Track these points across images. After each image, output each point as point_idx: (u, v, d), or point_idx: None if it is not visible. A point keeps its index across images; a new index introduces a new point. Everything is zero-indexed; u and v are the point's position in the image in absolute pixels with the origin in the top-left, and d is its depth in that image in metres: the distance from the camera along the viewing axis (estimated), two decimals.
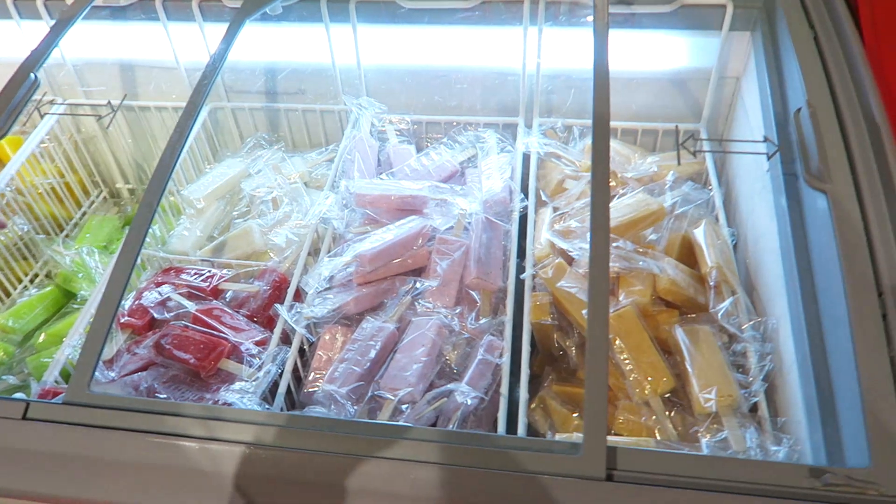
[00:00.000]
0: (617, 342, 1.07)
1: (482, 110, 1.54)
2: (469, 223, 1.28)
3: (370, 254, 1.20)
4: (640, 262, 1.13)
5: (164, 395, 1.12)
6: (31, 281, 1.57)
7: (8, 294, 1.52)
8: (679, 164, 1.08)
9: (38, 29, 1.52)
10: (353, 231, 1.30)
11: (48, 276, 1.58)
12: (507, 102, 1.52)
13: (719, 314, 1.08)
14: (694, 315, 1.14)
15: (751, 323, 1.09)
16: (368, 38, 1.46)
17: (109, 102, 1.32)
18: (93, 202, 1.78)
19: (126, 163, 1.79)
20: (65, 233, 1.67)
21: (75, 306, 1.45)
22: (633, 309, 1.09)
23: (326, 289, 1.22)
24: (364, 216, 1.33)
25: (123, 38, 1.55)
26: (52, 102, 1.57)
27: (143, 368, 1.19)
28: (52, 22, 1.48)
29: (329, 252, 1.28)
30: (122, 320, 1.26)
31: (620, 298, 1.13)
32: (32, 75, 1.19)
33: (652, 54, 1.43)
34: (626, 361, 1.06)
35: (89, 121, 1.70)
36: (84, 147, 1.73)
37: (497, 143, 1.45)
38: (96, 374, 1.15)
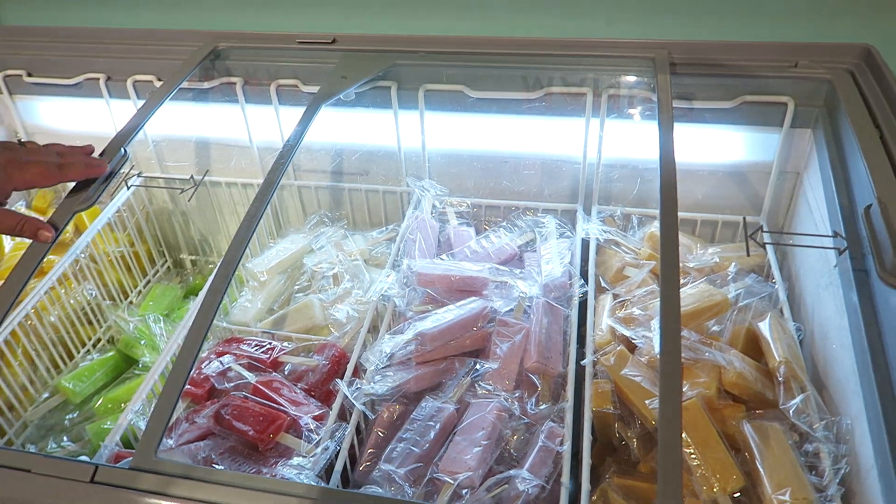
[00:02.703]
0: (682, 436, 1.04)
1: (542, 196, 1.57)
2: (529, 306, 1.28)
3: (431, 333, 1.21)
4: (707, 354, 1.11)
5: (222, 467, 1.12)
6: (94, 345, 1.61)
7: (71, 357, 1.56)
8: (748, 255, 1.07)
9: (125, 107, 1.62)
10: (414, 309, 1.31)
11: (110, 341, 1.62)
12: (566, 189, 1.55)
13: (790, 411, 1.04)
14: (761, 411, 1.11)
15: (823, 422, 1.05)
16: (434, 123, 1.52)
17: (192, 177, 1.39)
18: (157, 271, 1.84)
19: (191, 235, 1.85)
20: (129, 300, 1.72)
21: (137, 372, 1.48)
22: (698, 401, 1.07)
23: (386, 366, 1.23)
24: (424, 295, 1.35)
25: (201, 117, 1.64)
26: (139, 175, 1.65)
27: (202, 438, 1.20)
28: (139, 102, 1.59)
29: (389, 329, 1.29)
30: (184, 388, 1.27)
31: (685, 390, 1.11)
32: (122, 149, 1.26)
33: (711, 147, 1.46)
34: (693, 456, 1.03)
35: (161, 193, 1.79)
36: (154, 218, 1.81)
37: (556, 228, 1.47)
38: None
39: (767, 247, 1.40)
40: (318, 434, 1.12)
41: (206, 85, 1.54)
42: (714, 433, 1.04)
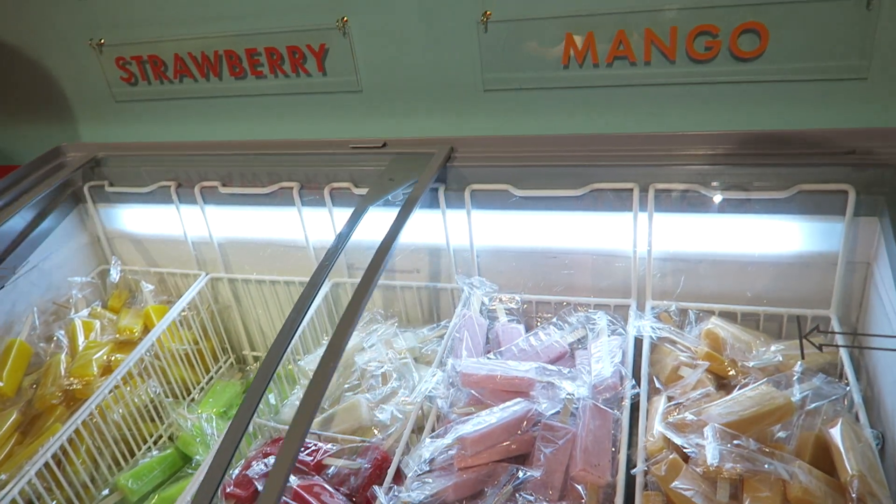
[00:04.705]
0: None
1: (593, 292, 1.53)
2: (576, 408, 1.23)
3: (472, 437, 1.17)
4: (766, 465, 1.02)
5: None
6: (155, 442, 1.65)
7: (132, 454, 1.60)
8: (802, 357, 1.00)
9: (192, 212, 1.72)
10: (457, 412, 1.28)
11: (171, 438, 1.66)
12: (618, 284, 1.51)
13: None
14: None
15: None
16: (482, 221, 1.53)
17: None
18: (220, 368, 1.89)
19: (254, 331, 1.91)
20: (191, 397, 1.77)
21: (189, 471, 1.50)
22: None
23: (427, 472, 1.19)
24: (469, 396, 1.32)
25: (261, 219, 1.72)
26: (206, 274, 1.74)
27: None
28: (206, 206, 1.69)
29: (432, 432, 1.26)
30: (227, 490, 1.28)
31: None
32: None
33: (772, 238, 1.39)
34: None
35: (225, 291, 1.86)
36: (218, 316, 1.88)
37: (608, 325, 1.43)
38: None
39: (874, 340, 1.30)
40: None
41: (263, 190, 1.62)
42: None
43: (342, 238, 1.31)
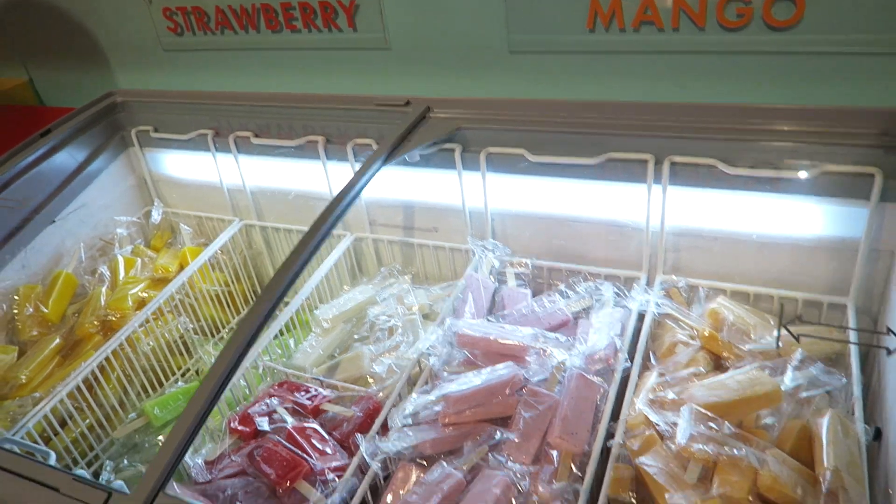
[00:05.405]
0: None
1: (605, 262, 1.51)
2: (564, 377, 1.24)
3: (455, 396, 1.20)
4: (736, 450, 1.01)
5: None
6: (183, 375, 1.76)
7: (161, 384, 1.72)
8: (777, 347, 0.97)
9: (228, 161, 1.80)
10: (448, 370, 1.31)
11: (197, 372, 1.77)
12: (630, 257, 1.49)
13: None
14: None
15: None
16: (498, 184, 1.53)
17: None
18: None
19: None
20: (220, 335, 1.87)
21: None
22: (719, 502, 0.97)
23: (413, 424, 1.23)
24: (464, 356, 1.34)
25: (291, 170, 1.78)
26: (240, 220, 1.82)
27: (237, 475, 1.27)
28: (240, 156, 1.76)
29: (423, 387, 1.29)
30: (232, 425, 1.36)
31: (713, 489, 1.01)
32: None
33: (792, 220, 1.33)
34: None
35: (258, 238, 1.94)
36: (251, 262, 1.96)
37: (613, 296, 1.41)
38: (194, 472, 1.25)
39: (851, 334, 1.25)
40: (331, 486, 1.15)
41: (290, 143, 1.67)
42: None
43: (347, 190, 1.33)
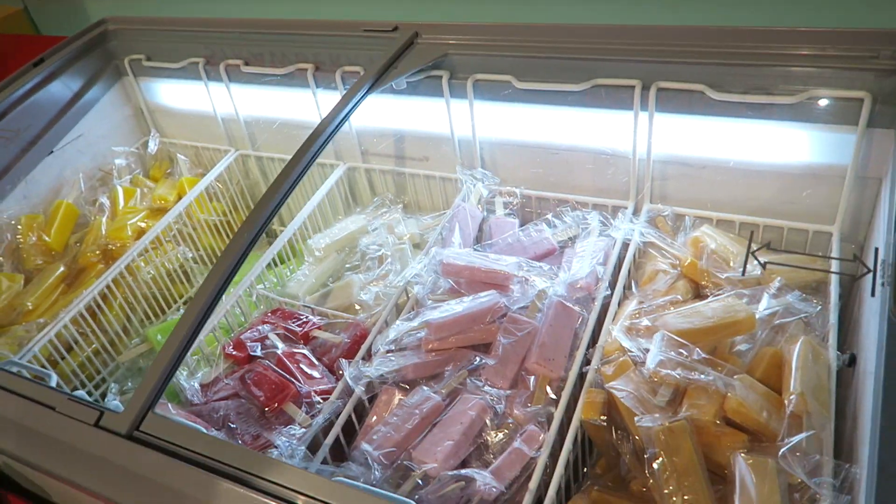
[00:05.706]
0: (661, 458, 0.98)
1: (593, 191, 1.51)
2: (544, 304, 1.26)
3: (436, 323, 1.23)
4: (703, 376, 1.03)
5: (234, 425, 1.23)
6: (185, 303, 1.81)
7: (164, 311, 1.78)
8: (742, 275, 0.97)
9: (222, 90, 1.79)
10: (432, 298, 1.33)
11: None
12: (618, 185, 1.48)
13: (784, 448, 0.94)
14: (766, 444, 1.01)
15: (830, 466, 0.94)
16: (486, 112, 1.51)
17: None
18: None
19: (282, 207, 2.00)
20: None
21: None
22: (685, 424, 1.00)
23: (397, 350, 1.27)
24: (449, 285, 1.37)
25: (282, 99, 1.77)
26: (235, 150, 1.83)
27: (230, 397, 1.33)
28: (231, 84, 1.74)
29: (407, 314, 1.33)
30: (226, 350, 1.41)
31: (681, 412, 1.04)
32: None
33: (780, 147, 1.31)
34: (668, 482, 0.97)
35: (254, 168, 1.95)
36: (248, 191, 1.98)
37: (598, 225, 1.42)
38: (190, 394, 1.31)
39: (833, 262, 1.25)
40: (317, 408, 1.20)
41: (279, 71, 1.66)
42: (695, 461, 0.98)
43: (331, 118, 1.32)
